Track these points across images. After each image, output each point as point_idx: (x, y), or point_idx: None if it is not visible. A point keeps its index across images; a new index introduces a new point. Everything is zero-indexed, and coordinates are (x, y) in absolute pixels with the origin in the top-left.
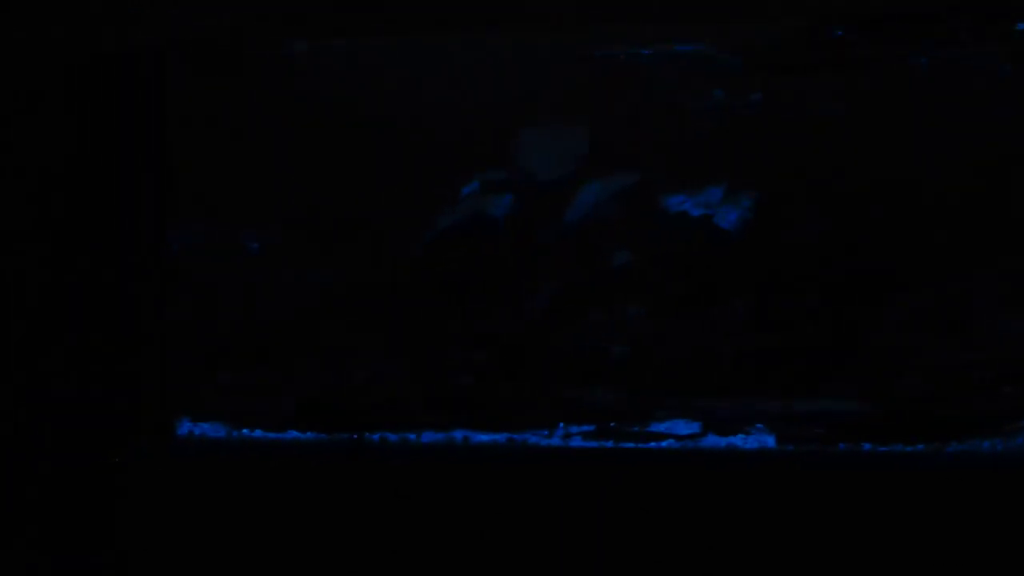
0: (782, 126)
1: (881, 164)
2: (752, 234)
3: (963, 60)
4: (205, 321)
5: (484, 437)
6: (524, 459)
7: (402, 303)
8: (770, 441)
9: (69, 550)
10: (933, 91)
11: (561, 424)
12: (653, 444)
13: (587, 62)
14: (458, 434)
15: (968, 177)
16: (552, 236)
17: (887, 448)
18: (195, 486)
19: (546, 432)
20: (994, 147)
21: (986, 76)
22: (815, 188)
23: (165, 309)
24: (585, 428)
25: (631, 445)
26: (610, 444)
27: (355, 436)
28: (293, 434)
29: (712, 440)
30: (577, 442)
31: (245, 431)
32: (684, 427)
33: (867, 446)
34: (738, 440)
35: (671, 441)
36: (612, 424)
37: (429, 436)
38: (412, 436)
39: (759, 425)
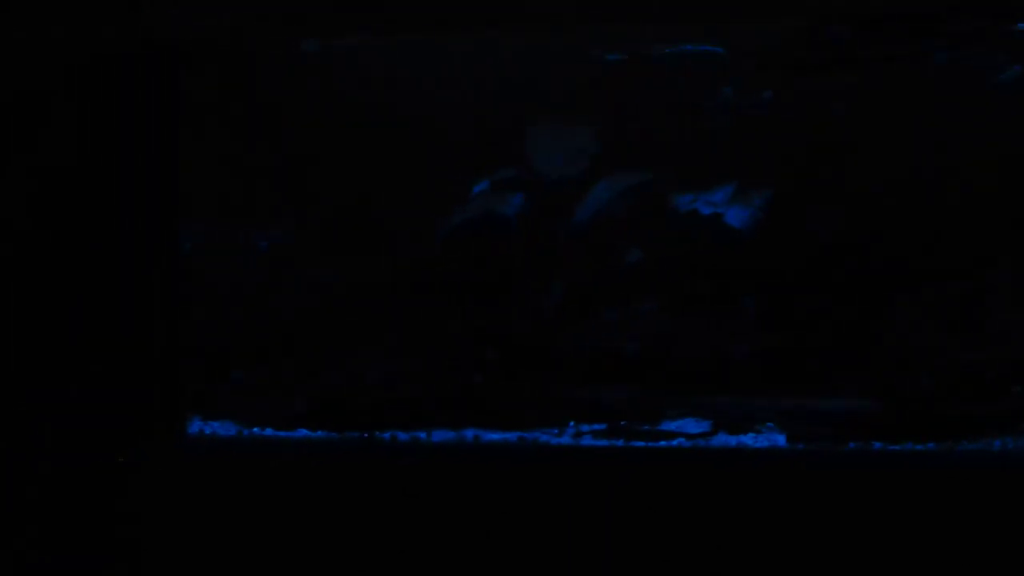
0: (792, 124)
1: (891, 163)
2: (762, 233)
3: (974, 59)
4: (216, 320)
5: (495, 436)
6: (535, 458)
7: (413, 302)
8: (780, 440)
9: (80, 550)
10: (944, 90)
11: (572, 423)
12: (664, 443)
13: (597, 61)
14: (469, 433)
15: (979, 176)
16: (563, 235)
17: (898, 447)
18: (206, 485)
19: (556, 431)
20: (1005, 146)
21: (996, 75)
22: (825, 187)
23: (176, 308)
24: (596, 427)
25: (642, 444)
26: (621, 443)
27: (365, 435)
28: (304, 433)
29: (722, 439)
30: (588, 441)
31: (256, 430)
32: (694, 426)
33: (877, 445)
34: (748, 439)
35: (681, 440)
36: (623, 423)
37: (440, 435)
38: (422, 435)
39: (769, 424)
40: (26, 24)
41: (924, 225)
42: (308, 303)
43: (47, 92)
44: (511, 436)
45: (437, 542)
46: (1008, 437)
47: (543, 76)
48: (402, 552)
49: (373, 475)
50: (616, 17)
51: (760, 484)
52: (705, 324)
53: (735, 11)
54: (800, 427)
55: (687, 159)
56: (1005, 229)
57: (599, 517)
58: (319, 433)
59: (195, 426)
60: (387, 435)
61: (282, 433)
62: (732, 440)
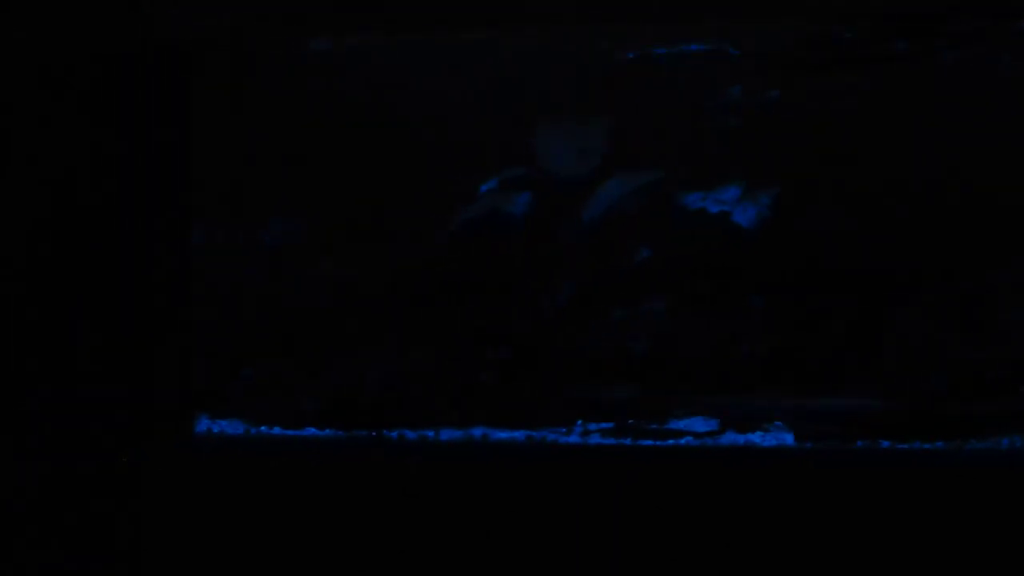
0: (800, 123)
1: (900, 162)
2: (770, 231)
3: (979, 58)
4: (224, 319)
5: (503, 434)
6: (542, 456)
7: (421, 300)
8: (788, 438)
9: (86, 548)
10: (953, 88)
11: (580, 421)
12: (671, 441)
13: (605, 60)
14: (477, 431)
15: (988, 175)
16: (571, 234)
17: (906, 446)
18: (213, 484)
19: (564, 429)
20: (1010, 145)
21: (1005, 74)
22: (833, 185)
23: (184, 307)
24: (604, 425)
25: (649, 442)
26: (628, 441)
27: (373, 433)
28: (311, 431)
29: (730, 437)
30: (595, 439)
31: (263, 428)
32: (702, 424)
33: (885, 443)
34: (756, 437)
35: (689, 438)
36: (630, 421)
37: (447, 433)
38: (430, 433)
39: (777, 423)
40: (33, 24)
41: (931, 224)
42: (316, 302)
43: (55, 91)
44: (519, 435)
45: (445, 541)
46: (1016, 436)
47: (552, 75)
48: (410, 551)
49: (381, 474)
50: (624, 17)
51: (768, 483)
52: (713, 323)
53: (741, 11)
54: (808, 426)
55: (695, 158)
56: (1012, 228)
57: (607, 516)
58: (327, 432)
59: (202, 425)
60: (395, 434)
61: (290, 432)
62: (740, 439)
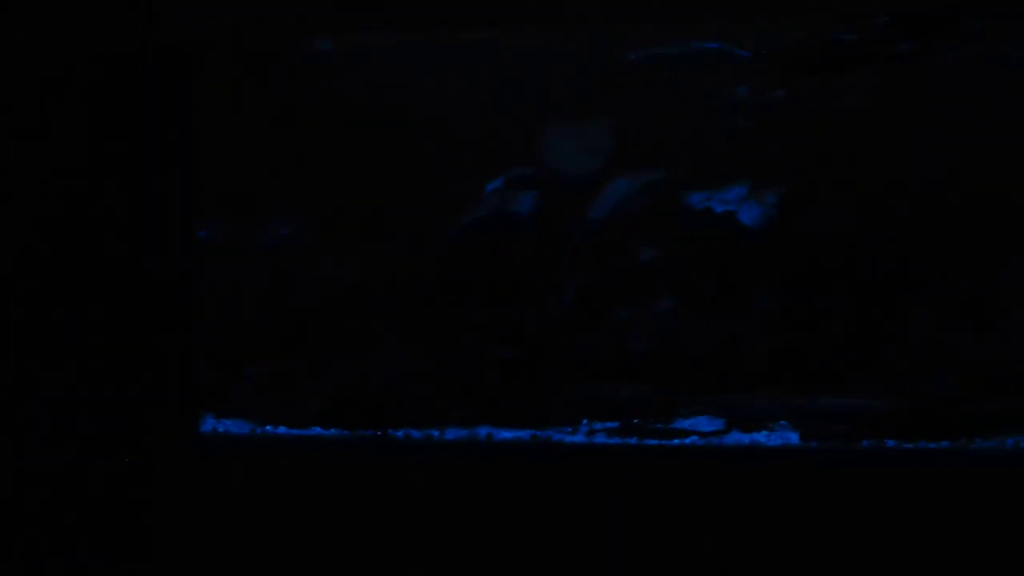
0: (806, 123)
1: (905, 161)
2: (776, 231)
3: (986, 58)
4: (229, 319)
5: (508, 434)
6: (548, 456)
7: (427, 300)
8: (794, 438)
9: (93, 549)
10: (959, 88)
11: (585, 421)
12: (677, 441)
13: (611, 61)
14: (482, 431)
15: (992, 175)
16: (577, 233)
17: (911, 445)
18: (219, 483)
19: (570, 429)
20: (1018, 145)
21: (1009, 74)
22: (839, 185)
23: (189, 307)
24: (609, 425)
25: (655, 442)
26: (634, 441)
27: (379, 432)
28: (317, 431)
29: (736, 437)
30: (601, 439)
31: (269, 428)
32: (708, 424)
33: (891, 443)
34: (762, 437)
35: (695, 438)
36: (636, 421)
37: (453, 433)
38: (436, 433)
39: (783, 422)
40: (34, 24)
41: (936, 224)
42: (321, 302)
43: (56, 91)
44: (524, 434)
45: (450, 539)
46: (1021, 435)
47: (558, 76)
48: (416, 549)
49: (386, 473)
50: (630, 17)
51: (773, 482)
52: (718, 322)
53: (747, 11)
54: (813, 425)
55: (701, 158)
56: (1016, 228)
57: (612, 514)
58: (332, 431)
59: (208, 424)
60: (400, 433)
61: (295, 431)
62: (745, 438)
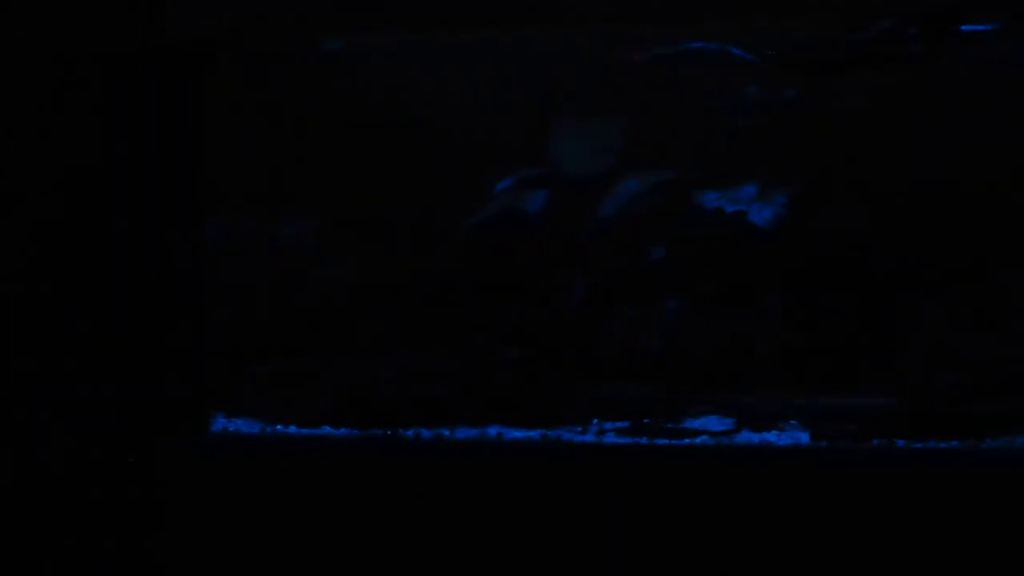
0: (816, 123)
1: (915, 162)
2: (786, 231)
3: (996, 57)
4: (238, 318)
5: (518, 433)
6: (558, 455)
7: (437, 299)
8: (804, 437)
9: (104, 547)
10: (969, 89)
11: (595, 420)
12: (687, 440)
13: (622, 60)
14: (492, 430)
15: (1003, 175)
16: (587, 232)
17: (921, 445)
18: (229, 482)
19: (580, 428)
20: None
21: (1020, 74)
22: (849, 185)
23: (199, 306)
24: (619, 424)
25: (665, 442)
26: (644, 440)
27: (389, 432)
28: (327, 430)
29: (746, 436)
30: (611, 438)
31: (279, 427)
32: (718, 423)
33: (901, 443)
34: (772, 436)
35: (705, 437)
36: (646, 420)
37: (463, 432)
38: (446, 432)
39: (793, 421)
40: (49, 25)
41: (946, 224)
42: (331, 301)
43: (66, 91)
44: (534, 434)
45: (460, 539)
46: None
47: (568, 76)
48: (425, 549)
49: (396, 472)
50: (648, 16)
51: (783, 482)
52: (728, 322)
53: (747, 11)
54: (823, 425)
55: (711, 157)
56: None
57: (622, 514)
58: (342, 430)
59: (218, 423)
60: (410, 432)
61: (305, 430)
62: (755, 438)
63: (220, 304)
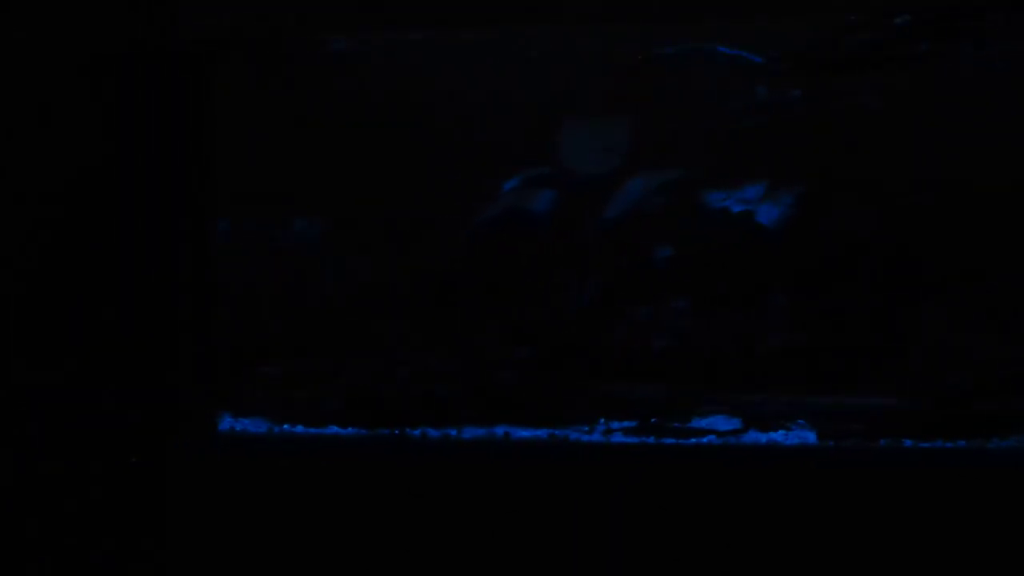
0: (823, 123)
1: (922, 162)
2: (793, 231)
3: (1005, 56)
4: (246, 317)
5: (525, 433)
6: (565, 455)
7: (443, 298)
8: (811, 437)
9: (111, 547)
10: (977, 88)
11: (602, 420)
12: (694, 440)
13: (629, 60)
14: (499, 430)
15: (1011, 175)
16: (594, 232)
17: (928, 444)
18: (237, 482)
19: (587, 428)
20: None
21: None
22: (856, 185)
23: (206, 306)
24: (626, 424)
25: (672, 441)
26: (651, 440)
27: (396, 431)
28: (334, 430)
29: (753, 436)
30: (618, 438)
31: (287, 427)
32: (725, 423)
33: (908, 442)
34: (779, 436)
35: (712, 437)
36: (653, 420)
37: (470, 432)
38: (453, 432)
39: (800, 421)
40: (58, 25)
41: (955, 223)
42: (339, 300)
43: (70, 91)
44: (541, 433)
45: (468, 539)
46: None
47: (576, 75)
48: (433, 548)
49: (403, 472)
50: (656, 16)
51: (791, 481)
52: (736, 321)
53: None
54: (831, 424)
55: (719, 157)
56: None
57: (629, 514)
58: (349, 430)
59: (225, 423)
60: (418, 432)
61: (313, 430)
62: (763, 437)
63: (227, 304)
